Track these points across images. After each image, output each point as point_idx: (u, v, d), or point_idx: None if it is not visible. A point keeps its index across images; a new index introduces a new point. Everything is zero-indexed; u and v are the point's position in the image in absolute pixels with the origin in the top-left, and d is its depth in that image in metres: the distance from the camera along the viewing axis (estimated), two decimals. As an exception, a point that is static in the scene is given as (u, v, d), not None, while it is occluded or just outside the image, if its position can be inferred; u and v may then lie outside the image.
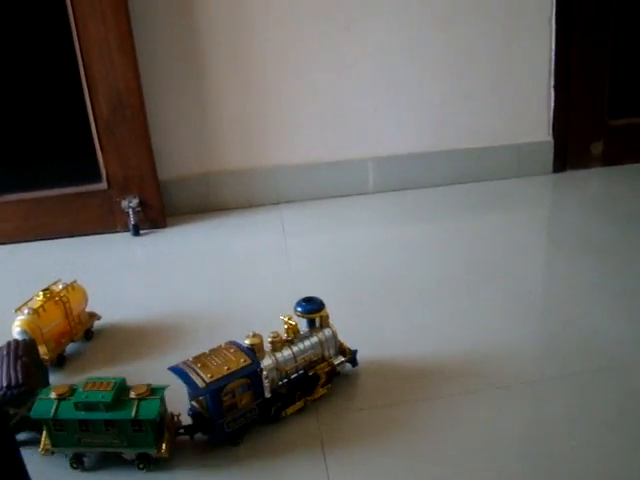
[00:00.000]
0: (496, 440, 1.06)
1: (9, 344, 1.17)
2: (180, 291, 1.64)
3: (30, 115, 1.98)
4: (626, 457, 1.00)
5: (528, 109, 2.20)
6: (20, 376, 1.09)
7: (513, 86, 2.16)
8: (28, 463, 0.81)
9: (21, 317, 1.28)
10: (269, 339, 1.14)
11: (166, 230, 2.02)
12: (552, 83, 2.16)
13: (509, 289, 1.53)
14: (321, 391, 1.18)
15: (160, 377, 1.09)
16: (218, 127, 2.08)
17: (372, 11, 2.02)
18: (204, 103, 2.05)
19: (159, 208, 2.01)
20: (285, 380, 1.14)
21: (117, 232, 2.01)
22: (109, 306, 1.56)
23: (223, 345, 1.13)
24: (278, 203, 2.13)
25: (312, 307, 1.20)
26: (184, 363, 1.09)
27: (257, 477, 1.02)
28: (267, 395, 1.11)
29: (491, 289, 1.53)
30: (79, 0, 1.81)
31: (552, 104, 2.19)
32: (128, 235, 1.99)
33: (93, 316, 1.46)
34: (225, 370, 1.06)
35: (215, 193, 2.11)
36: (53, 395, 1.04)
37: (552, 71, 2.15)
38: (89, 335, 1.44)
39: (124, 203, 1.97)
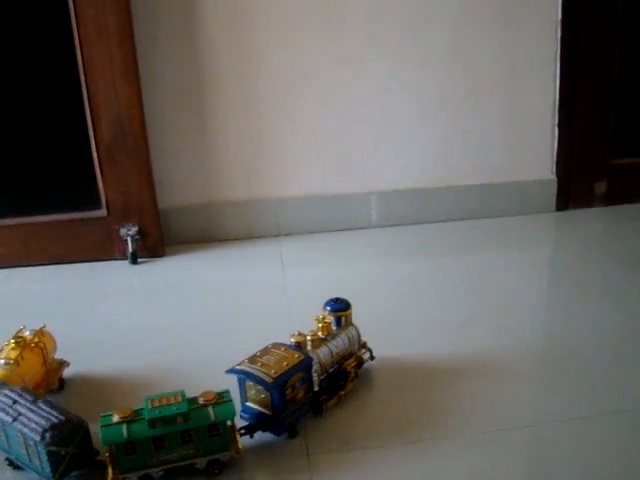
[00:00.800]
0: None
1: (7, 395, 1.09)
2: (174, 322, 1.62)
3: (32, 140, 1.99)
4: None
5: (531, 147, 2.19)
6: (57, 414, 1.04)
7: (516, 123, 2.15)
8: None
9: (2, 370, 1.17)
10: (309, 337, 1.23)
11: (164, 259, 2.00)
12: (556, 121, 2.16)
13: (508, 326, 1.50)
14: (350, 385, 1.27)
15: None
16: (220, 158, 2.07)
17: (374, 45, 2.03)
18: (206, 133, 2.04)
19: (158, 237, 2.00)
20: (325, 375, 1.23)
21: (115, 259, 2.00)
22: (100, 338, 1.55)
23: (270, 346, 1.21)
24: (278, 235, 2.12)
25: (340, 306, 1.32)
26: (239, 365, 1.15)
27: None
28: (316, 388, 1.20)
29: (490, 326, 1.50)
30: (85, 27, 1.81)
31: (555, 142, 2.19)
32: (126, 263, 1.97)
33: (62, 363, 1.35)
34: (285, 366, 1.14)
35: (215, 224, 2.10)
36: (116, 419, 1.03)
37: (556, 109, 2.15)
38: (62, 384, 1.34)
39: (123, 231, 1.96)
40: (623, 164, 2.27)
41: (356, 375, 1.30)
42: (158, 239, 2.00)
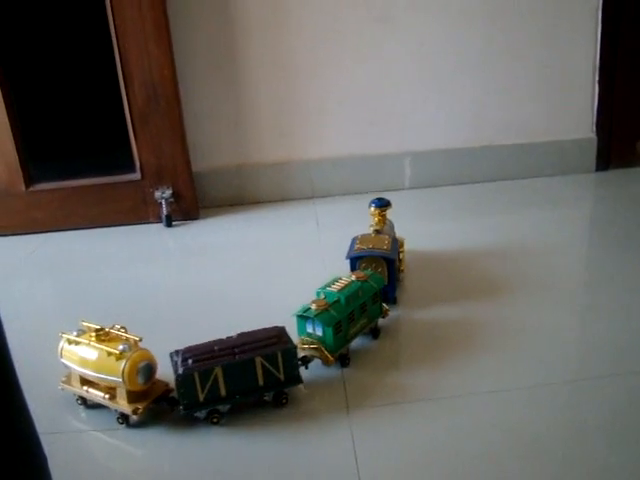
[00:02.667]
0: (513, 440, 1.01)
1: (194, 350, 1.09)
2: (211, 282, 1.61)
3: (67, 105, 1.99)
4: None
5: (571, 105, 2.14)
6: (262, 329, 1.13)
7: (556, 81, 2.10)
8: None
9: (136, 351, 1.09)
10: (377, 227, 1.48)
11: (199, 222, 2.00)
12: (597, 78, 2.10)
13: (549, 287, 1.47)
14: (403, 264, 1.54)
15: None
16: (254, 119, 2.05)
17: (411, 3, 1.98)
18: (240, 95, 2.03)
19: (192, 199, 1.99)
20: None
21: (150, 223, 2.00)
22: (136, 300, 1.56)
23: (360, 236, 1.45)
24: (313, 197, 2.10)
25: (383, 202, 1.53)
26: (354, 252, 1.38)
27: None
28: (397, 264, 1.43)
29: (531, 287, 1.47)
30: (117, -10, 1.80)
31: (596, 100, 2.13)
32: (160, 226, 1.98)
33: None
34: (387, 243, 1.39)
35: (249, 186, 2.09)
36: (315, 307, 1.17)
37: (597, 66, 2.09)
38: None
39: (157, 194, 1.96)
40: (667, 122, 2.20)
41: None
42: (192, 202, 2.00)
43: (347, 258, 1.38)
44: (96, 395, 1.12)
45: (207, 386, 1.06)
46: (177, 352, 1.10)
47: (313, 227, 1.88)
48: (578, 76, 2.10)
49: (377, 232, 1.45)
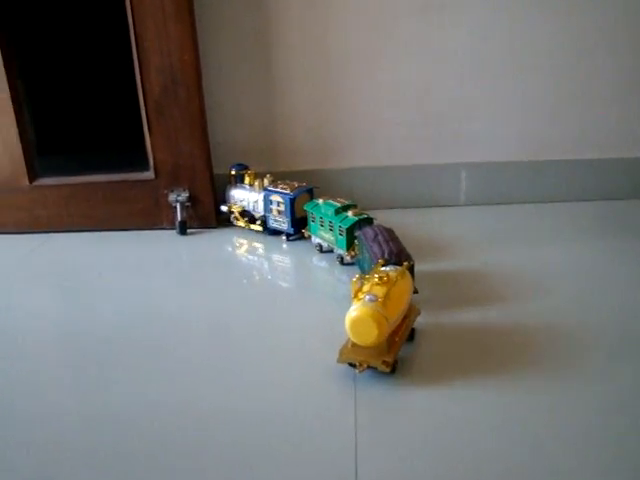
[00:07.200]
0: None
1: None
2: (220, 300, 1.38)
3: (79, 96, 1.82)
4: None
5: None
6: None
7: (632, 89, 1.82)
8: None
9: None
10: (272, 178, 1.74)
11: (217, 231, 1.78)
12: (685, 88, 1.81)
13: (610, 326, 1.19)
14: None
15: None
16: (286, 118, 1.84)
17: (468, 2, 1.74)
18: (271, 87, 1.81)
19: (210, 205, 1.77)
20: None
21: (162, 229, 1.79)
22: (139, 311, 1.35)
23: (275, 188, 1.69)
24: (350, 210, 1.86)
25: (243, 166, 1.79)
26: (286, 194, 1.66)
27: None
28: None
29: (591, 323, 1.19)
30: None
31: (682, 114, 1.84)
32: (173, 233, 1.75)
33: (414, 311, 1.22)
34: (295, 183, 1.71)
35: (278, 193, 1.86)
36: (352, 214, 1.51)
37: (689, 73, 1.79)
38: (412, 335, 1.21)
39: (172, 196, 1.74)
40: None
41: None
42: (210, 208, 1.78)
43: (289, 198, 1.64)
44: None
45: None
46: (383, 258, 1.26)
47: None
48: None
49: (275, 180, 1.74)
